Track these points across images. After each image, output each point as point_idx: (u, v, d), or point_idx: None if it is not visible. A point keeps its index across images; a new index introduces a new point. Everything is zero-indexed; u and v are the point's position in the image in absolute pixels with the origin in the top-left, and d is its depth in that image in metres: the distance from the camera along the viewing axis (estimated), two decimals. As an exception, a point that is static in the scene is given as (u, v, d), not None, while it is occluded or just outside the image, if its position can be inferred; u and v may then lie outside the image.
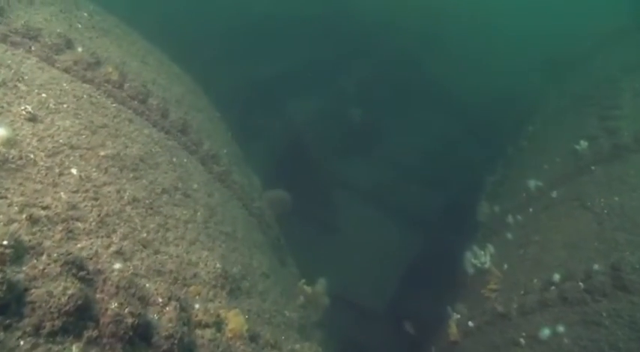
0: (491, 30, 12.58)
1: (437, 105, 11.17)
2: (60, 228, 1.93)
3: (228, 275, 2.79)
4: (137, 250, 2.27)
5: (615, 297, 3.64)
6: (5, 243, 1.54)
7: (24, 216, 1.82)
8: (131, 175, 2.75)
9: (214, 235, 3.16)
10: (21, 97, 2.56)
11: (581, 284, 3.97)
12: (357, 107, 10.67)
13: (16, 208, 1.85)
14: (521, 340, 4.21)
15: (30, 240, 1.69)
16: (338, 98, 10.93)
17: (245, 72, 10.15)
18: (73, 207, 2.11)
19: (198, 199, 3.30)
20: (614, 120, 5.78)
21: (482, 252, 6.05)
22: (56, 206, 2.02)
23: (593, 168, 5.45)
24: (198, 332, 2.05)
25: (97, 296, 1.72)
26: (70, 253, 1.65)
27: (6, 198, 1.89)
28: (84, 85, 3.18)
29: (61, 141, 2.46)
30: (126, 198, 2.52)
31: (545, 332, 3.94)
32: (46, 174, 2.17)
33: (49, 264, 1.58)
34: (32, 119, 2.43)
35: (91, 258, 1.96)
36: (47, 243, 1.80)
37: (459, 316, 5.56)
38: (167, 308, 1.94)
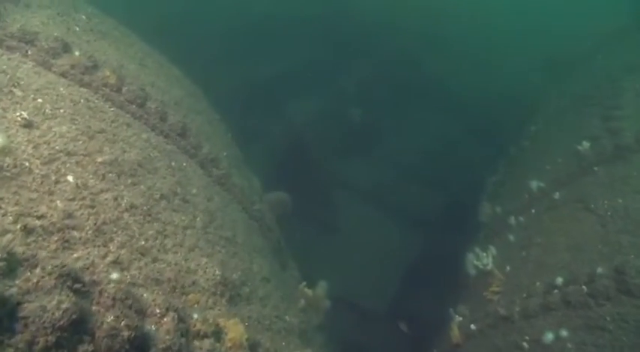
0: (491, 30, 12.54)
1: (437, 104, 11.12)
2: (55, 238, 1.89)
3: (227, 281, 2.75)
4: (135, 259, 2.23)
5: (619, 301, 3.60)
6: (-2, 255, 1.50)
7: (18, 226, 1.79)
8: (129, 181, 2.72)
9: (214, 241, 3.13)
10: (16, 103, 2.52)
11: (584, 287, 3.93)
12: (357, 107, 10.63)
13: (10, 218, 1.82)
14: (525, 344, 4.17)
15: (24, 252, 1.66)
16: (338, 98, 10.89)
17: (245, 72, 10.11)
18: (69, 215, 2.08)
19: (197, 204, 3.27)
20: (617, 121, 5.74)
21: (485, 254, 6.00)
22: (52, 215, 1.99)
23: (595, 168, 5.41)
24: (197, 343, 2.01)
25: (93, 308, 1.68)
26: (65, 265, 1.61)
27: (0, 207, 1.85)
28: (81, 89, 3.14)
29: (57, 147, 2.42)
30: (123, 205, 2.48)
31: (549, 337, 3.90)
32: (42, 183, 2.13)
33: (43, 277, 1.55)
34: (28, 125, 2.40)
35: (87, 268, 1.92)
36: (42, 254, 1.76)
37: (461, 318, 5.53)
38: (165, 319, 1.90)
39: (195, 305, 2.40)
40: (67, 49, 3.31)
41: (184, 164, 3.59)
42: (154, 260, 2.35)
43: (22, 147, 2.24)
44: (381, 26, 11.46)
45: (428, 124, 10.82)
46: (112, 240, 2.21)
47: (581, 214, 5.02)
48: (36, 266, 1.61)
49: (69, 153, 2.46)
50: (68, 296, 1.52)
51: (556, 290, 4.22)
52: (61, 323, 1.44)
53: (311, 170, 9.86)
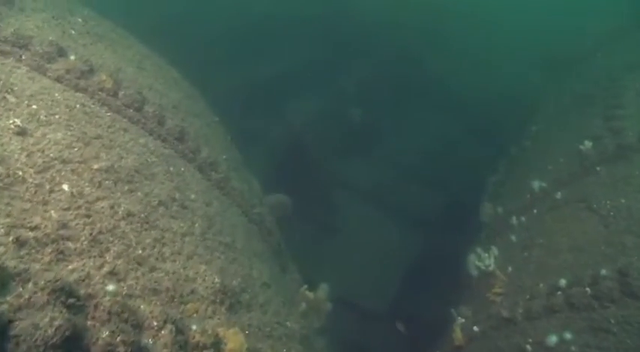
0: (492, 29, 12.48)
1: (437, 104, 11.07)
2: (49, 250, 1.85)
3: (227, 289, 2.71)
4: (132, 269, 2.19)
5: (624, 304, 3.56)
6: (-11, 270, 1.46)
7: (10, 238, 1.74)
8: (126, 188, 2.67)
9: (213, 247, 3.08)
10: (10, 110, 2.47)
11: (588, 289, 3.89)
12: (357, 107, 10.59)
13: (2, 230, 1.77)
14: (528, 347, 4.13)
15: (16, 266, 1.61)
16: (338, 98, 10.85)
17: (245, 73, 10.07)
18: (64, 225, 2.03)
19: (195, 210, 3.22)
20: (618, 120, 5.69)
21: (486, 255, 5.97)
22: (45, 226, 1.94)
23: (598, 168, 5.36)
24: (196, 355, 1.97)
25: (88, 323, 1.64)
26: (59, 279, 1.57)
27: (-8, 219, 1.81)
28: (77, 94, 3.09)
29: (51, 155, 2.37)
30: (120, 213, 2.44)
31: (552, 339, 3.86)
32: (36, 192, 2.09)
33: (35, 293, 1.50)
34: (21, 133, 2.35)
35: (82, 281, 1.88)
36: (35, 267, 1.72)
37: (463, 320, 5.49)
38: (162, 332, 1.86)
39: (194, 315, 2.36)
40: (62, 53, 3.26)
41: (182, 169, 3.54)
42: (152, 269, 2.31)
43: (15, 156, 2.20)
44: (381, 26, 11.41)
45: (428, 124, 10.78)
46: (108, 249, 2.16)
47: (583, 214, 4.98)
48: (28, 280, 1.56)
49: (64, 161, 2.41)
50: (61, 312, 1.48)
51: (559, 292, 4.18)
52: (54, 340, 1.40)
53: (311, 170, 9.83)
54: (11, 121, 2.36)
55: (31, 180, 2.13)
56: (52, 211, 2.06)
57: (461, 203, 8.72)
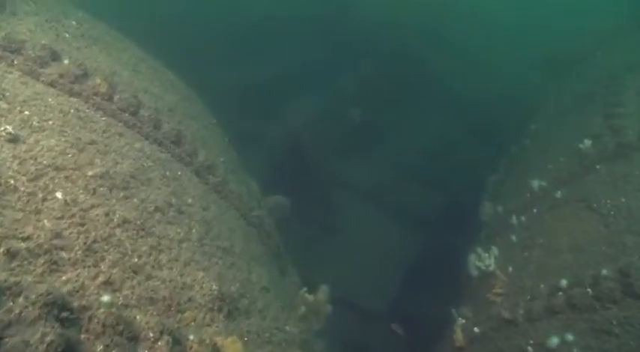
0: (492, 28, 12.44)
1: (437, 104, 11.04)
2: (42, 261, 1.81)
3: (225, 296, 2.67)
4: (127, 278, 2.15)
5: (625, 305, 3.53)
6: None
7: (1, 250, 1.71)
8: (121, 194, 2.63)
9: (210, 252, 3.05)
10: (1, 116, 2.43)
11: (589, 290, 3.86)
12: (357, 107, 10.55)
13: (-7, 242, 1.74)
14: (529, 348, 4.10)
15: (6, 279, 1.57)
16: (337, 98, 10.80)
17: (243, 73, 10.02)
18: (57, 235, 1.99)
19: (193, 214, 3.19)
20: (618, 119, 5.66)
21: (487, 255, 5.94)
22: (38, 236, 1.90)
23: (598, 167, 5.33)
24: (193, 366, 1.94)
25: (82, 337, 1.60)
26: (51, 293, 1.53)
27: (-18, 231, 1.77)
28: (71, 98, 3.05)
29: (44, 162, 2.33)
30: (115, 220, 2.40)
31: (554, 341, 3.83)
32: (28, 201, 2.05)
33: (26, 307, 1.47)
34: (13, 140, 2.31)
35: (76, 292, 1.84)
36: (27, 279, 1.68)
37: (463, 321, 5.46)
38: (159, 344, 1.83)
39: (192, 323, 2.32)
40: (55, 57, 3.21)
41: (179, 173, 3.50)
42: (148, 277, 2.27)
43: (7, 164, 2.16)
44: (381, 26, 11.36)
45: (428, 124, 10.74)
46: (103, 259, 2.13)
47: (583, 214, 4.95)
48: (19, 294, 1.52)
49: (57, 168, 2.37)
50: (53, 327, 1.44)
51: (560, 293, 4.15)
52: (46, 357, 1.36)
53: (311, 171, 9.79)
54: (3, 128, 2.31)
55: (23, 188, 2.09)
56: (45, 220, 2.02)
57: (461, 202, 8.69)
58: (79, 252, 2.03)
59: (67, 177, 2.37)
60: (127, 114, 3.36)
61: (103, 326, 1.64)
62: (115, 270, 2.12)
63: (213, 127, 5.37)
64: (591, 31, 8.31)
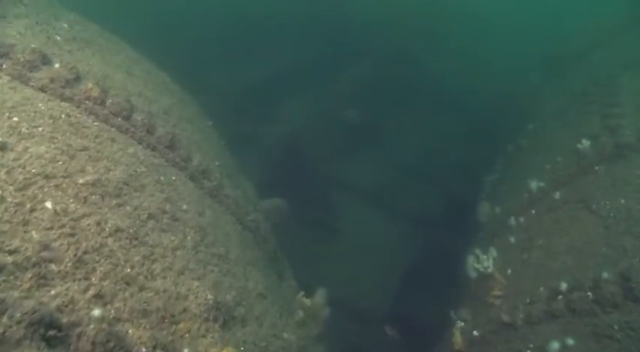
0: (489, 27, 12.41)
1: (435, 103, 11.00)
2: (30, 275, 1.75)
3: (220, 305, 2.61)
4: (120, 290, 2.09)
5: (627, 309, 3.49)
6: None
7: (-13, 265, 1.64)
8: (114, 202, 2.57)
9: (206, 260, 2.99)
10: (-11, 124, 2.37)
11: (589, 294, 3.83)
12: (354, 107, 10.50)
13: (-22, 257, 1.67)
14: (529, 352, 4.06)
15: (-9, 297, 1.52)
16: (334, 98, 10.75)
17: (238, 74, 9.95)
18: (46, 247, 1.93)
19: (187, 221, 3.12)
20: (616, 119, 5.63)
21: (485, 256, 5.90)
22: (26, 249, 1.84)
23: (596, 168, 5.30)
24: (187, 381, 1.88)
25: (71, 355, 1.54)
26: (37, 310, 1.47)
27: (-33, 244, 1.71)
28: (62, 103, 2.98)
29: (33, 170, 2.27)
30: (107, 229, 2.34)
31: (554, 346, 3.79)
32: (15, 212, 1.98)
33: (10, 327, 1.41)
34: (1, 148, 2.24)
35: (65, 306, 1.78)
36: (14, 295, 1.62)
37: (462, 324, 5.42)
38: (152, 359, 1.77)
39: (187, 335, 2.26)
40: (46, 60, 3.14)
41: (174, 178, 3.44)
42: (141, 289, 2.21)
43: (-5, 174, 2.09)
44: (378, 24, 11.31)
45: (426, 123, 10.71)
46: (94, 270, 2.06)
47: (582, 215, 4.91)
48: (4, 312, 1.46)
49: (47, 177, 2.30)
50: (39, 348, 1.38)
51: (560, 296, 4.12)
52: (32, 380, 1.30)
53: (308, 172, 9.74)
54: (-10, 136, 2.25)
55: (10, 198, 2.03)
56: (34, 232, 1.96)
57: (460, 203, 8.66)
58: (69, 264, 1.97)
59: (57, 186, 2.30)
60: (119, 119, 3.30)
61: (93, 343, 1.58)
62: (106, 282, 2.05)
63: (209, 130, 5.31)
64: (590, 30, 8.28)
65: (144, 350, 1.79)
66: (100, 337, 1.62)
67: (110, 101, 3.30)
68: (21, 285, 1.69)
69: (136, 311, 2.06)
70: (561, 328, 3.89)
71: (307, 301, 5.04)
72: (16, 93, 2.73)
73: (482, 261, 5.86)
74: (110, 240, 2.30)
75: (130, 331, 1.90)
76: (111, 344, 1.64)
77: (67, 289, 1.85)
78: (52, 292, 1.79)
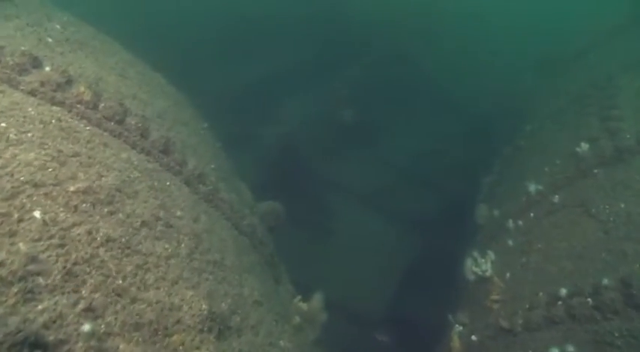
0: (487, 27, 12.38)
1: (432, 105, 10.97)
2: (15, 290, 1.68)
3: (215, 315, 2.55)
4: (111, 302, 2.03)
5: (628, 316, 3.45)
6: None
7: (-30, 281, 1.57)
8: (105, 210, 2.50)
9: (200, 268, 2.92)
10: (-24, 130, 2.29)
11: (589, 300, 3.79)
12: (350, 108, 10.45)
13: (-39, 272, 1.60)
14: (529, 359, 4.02)
15: (-26, 316, 1.45)
16: (331, 99, 10.69)
17: (235, 75, 9.88)
18: (34, 259, 1.86)
19: (181, 228, 3.06)
20: (615, 121, 5.60)
21: (483, 260, 5.86)
22: (12, 262, 1.77)
23: (595, 171, 5.26)
24: (180, 398, 1.82)
25: (57, 375, 1.48)
26: (21, 330, 1.40)
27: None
28: (53, 108, 2.90)
29: (21, 179, 2.19)
30: (99, 239, 2.27)
31: (554, 352, 3.75)
32: (2, 223, 1.91)
33: (-7, 349, 1.34)
34: (-12, 156, 2.17)
35: (53, 322, 1.71)
36: (-1, 312, 1.55)
37: (461, 328, 5.38)
38: (143, 377, 1.70)
39: (180, 348, 2.20)
40: (36, 63, 3.06)
41: (168, 183, 3.37)
42: (133, 300, 2.15)
43: (-19, 183, 2.02)
44: (375, 25, 11.25)
45: (423, 125, 10.67)
46: (84, 282, 2.00)
47: (582, 219, 4.88)
48: (-13, 333, 1.40)
49: (36, 185, 2.23)
50: (23, 371, 1.31)
51: (560, 302, 4.08)
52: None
53: (304, 174, 9.69)
54: (-23, 143, 2.18)
55: (-3, 209, 1.96)
56: (21, 244, 1.89)
57: (457, 204, 8.63)
58: (58, 277, 1.90)
59: (46, 194, 2.23)
60: (112, 123, 3.22)
61: (81, 362, 1.52)
62: (97, 295, 1.99)
63: (205, 132, 5.23)
64: (590, 31, 8.25)
65: (135, 367, 1.73)
66: (89, 355, 1.56)
67: (103, 105, 3.23)
68: (6, 301, 1.63)
69: (127, 325, 2.00)
70: (561, 334, 3.85)
71: (304, 306, 4.99)
72: (4, 98, 2.65)
73: (480, 265, 5.82)
74: (101, 250, 2.23)
75: (120, 346, 1.84)
76: (100, 363, 1.57)
77: (55, 303, 1.78)
78: (39, 307, 1.72)
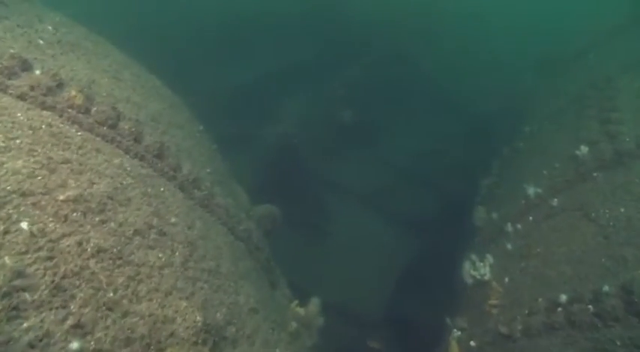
0: (489, 27, 12.34)
1: (432, 105, 10.92)
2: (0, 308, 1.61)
3: (210, 327, 2.49)
4: (101, 317, 1.96)
5: (629, 324, 3.41)
6: None
7: (-49, 300, 1.50)
8: (97, 219, 2.43)
9: (195, 276, 2.86)
10: (-39, 138, 2.22)
11: (590, 307, 3.74)
12: (349, 109, 10.39)
13: (-58, 290, 1.53)
14: (528, 366, 3.98)
15: (-46, 338, 1.38)
16: (330, 99, 10.63)
17: (231, 76, 9.79)
18: (20, 274, 1.79)
19: (176, 235, 2.99)
20: (615, 124, 5.55)
21: (482, 263, 5.82)
22: (-3, 278, 1.70)
23: (595, 175, 5.22)
24: None
25: (42, 400, 1.41)
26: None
27: None
28: (43, 113, 2.83)
29: (8, 188, 2.12)
30: (89, 250, 2.20)
31: (554, 360, 3.70)
32: (-13, 236, 1.84)
33: (-27, 375, 1.27)
34: (-26, 165, 2.10)
35: (40, 341, 1.64)
36: (-19, 333, 1.48)
37: (459, 333, 5.34)
38: (133, 398, 1.64)
39: (173, 362, 2.14)
40: (26, 66, 2.98)
41: (162, 189, 3.30)
42: (125, 314, 2.08)
43: (-35, 193, 1.95)
44: (374, 24, 11.19)
45: (422, 125, 10.62)
46: (73, 297, 1.93)
47: (581, 224, 4.83)
48: (-33, 357, 1.33)
49: (24, 194, 2.16)
50: (5, 399, 1.25)
51: (560, 308, 4.03)
52: None
53: (303, 174, 9.63)
54: (-38, 151, 2.10)
55: (-18, 221, 1.89)
56: (7, 257, 1.82)
57: (456, 205, 8.59)
58: (45, 292, 1.83)
59: (34, 204, 2.16)
60: (105, 128, 3.15)
61: (68, 385, 1.45)
62: (86, 310, 1.92)
63: (200, 135, 5.16)
64: (590, 31, 8.21)
65: (125, 387, 1.67)
66: (76, 377, 1.49)
67: (95, 109, 3.15)
68: (-11, 320, 1.56)
69: (118, 340, 1.93)
70: (561, 341, 3.81)
71: (301, 311, 4.94)
72: (-8, 103, 2.58)
73: (478, 268, 5.78)
74: (92, 262, 2.16)
75: (110, 365, 1.77)
76: (87, 385, 1.51)
77: (41, 320, 1.71)
78: (25, 325, 1.66)
